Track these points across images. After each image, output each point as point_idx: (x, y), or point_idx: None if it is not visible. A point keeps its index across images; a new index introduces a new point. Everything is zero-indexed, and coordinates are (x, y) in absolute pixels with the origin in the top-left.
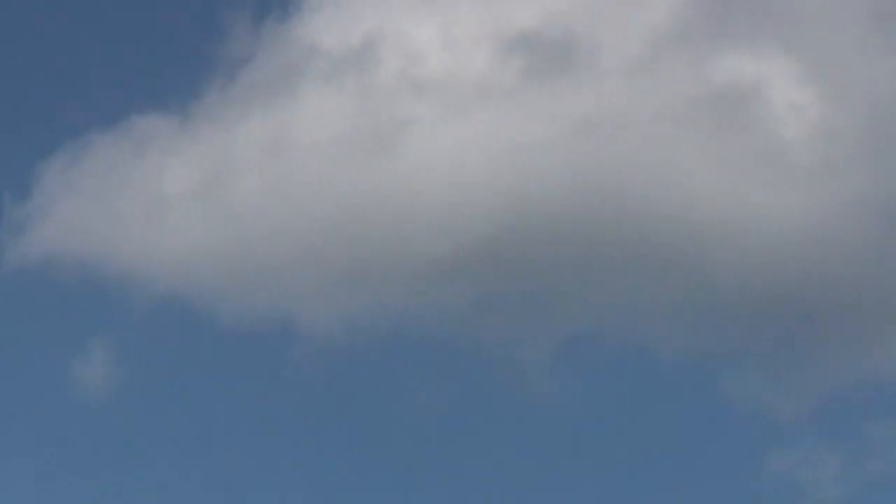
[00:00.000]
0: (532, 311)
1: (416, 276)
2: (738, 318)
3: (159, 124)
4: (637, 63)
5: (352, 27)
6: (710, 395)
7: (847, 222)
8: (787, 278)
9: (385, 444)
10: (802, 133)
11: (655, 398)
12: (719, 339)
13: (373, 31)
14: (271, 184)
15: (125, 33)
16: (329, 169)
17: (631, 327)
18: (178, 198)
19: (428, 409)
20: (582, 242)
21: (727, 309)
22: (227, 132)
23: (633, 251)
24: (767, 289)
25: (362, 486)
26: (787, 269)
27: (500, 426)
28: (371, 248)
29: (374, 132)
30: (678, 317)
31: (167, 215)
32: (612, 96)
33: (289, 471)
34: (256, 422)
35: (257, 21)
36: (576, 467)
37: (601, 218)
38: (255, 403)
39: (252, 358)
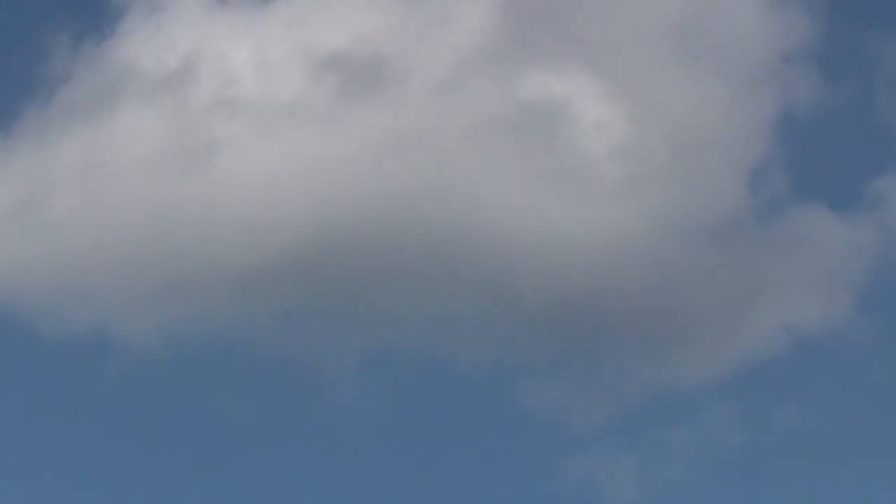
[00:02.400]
0: (340, 322)
1: (229, 289)
2: (538, 329)
3: None
4: (444, 82)
5: (169, 48)
6: (510, 404)
7: (648, 237)
8: (586, 290)
9: (198, 454)
10: (607, 150)
11: (457, 407)
12: (519, 349)
13: (189, 52)
14: (89, 200)
15: None
16: (145, 186)
17: (433, 338)
18: None
19: (239, 418)
20: (387, 256)
21: (527, 320)
22: (45, 150)
23: (436, 264)
24: (567, 301)
25: (177, 497)
26: (586, 281)
27: (308, 436)
28: (185, 262)
29: (190, 151)
30: (479, 328)
31: None
32: (420, 115)
33: (105, 482)
34: (75, 433)
35: (76, 41)
36: (381, 475)
37: (407, 232)
38: (73, 415)
39: (70, 370)
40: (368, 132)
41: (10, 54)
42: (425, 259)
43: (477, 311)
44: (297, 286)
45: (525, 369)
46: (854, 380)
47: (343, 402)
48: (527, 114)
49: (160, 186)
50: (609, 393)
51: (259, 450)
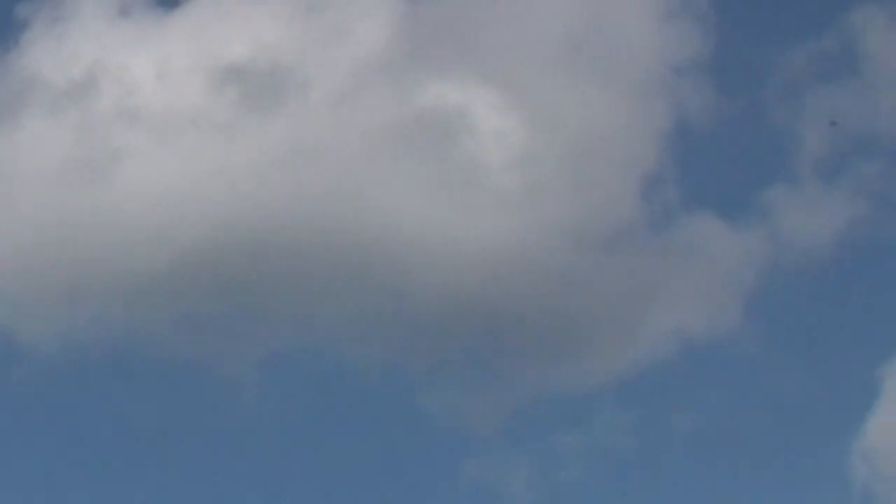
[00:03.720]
0: (239, 326)
1: (130, 294)
2: (436, 333)
3: None
4: (344, 92)
5: (71, 59)
6: (408, 407)
7: (543, 244)
8: (483, 296)
9: (98, 457)
10: (504, 158)
11: (355, 410)
12: (417, 353)
13: (92, 63)
14: None
15: None
16: (49, 194)
17: (332, 342)
18: None
19: (139, 421)
20: (286, 261)
21: (425, 325)
22: None
23: (334, 270)
24: (464, 306)
25: (79, 499)
26: (483, 287)
27: (207, 439)
28: (88, 268)
29: (92, 160)
30: (377, 333)
31: None
32: (319, 124)
33: (6, 485)
34: None
35: None
36: (280, 478)
37: (306, 238)
38: None
39: None
40: (268, 141)
41: None
42: (324, 265)
43: (375, 316)
44: (197, 291)
45: (423, 374)
46: (743, 384)
47: (242, 406)
48: (425, 123)
49: (63, 195)
50: (505, 397)
51: (159, 452)
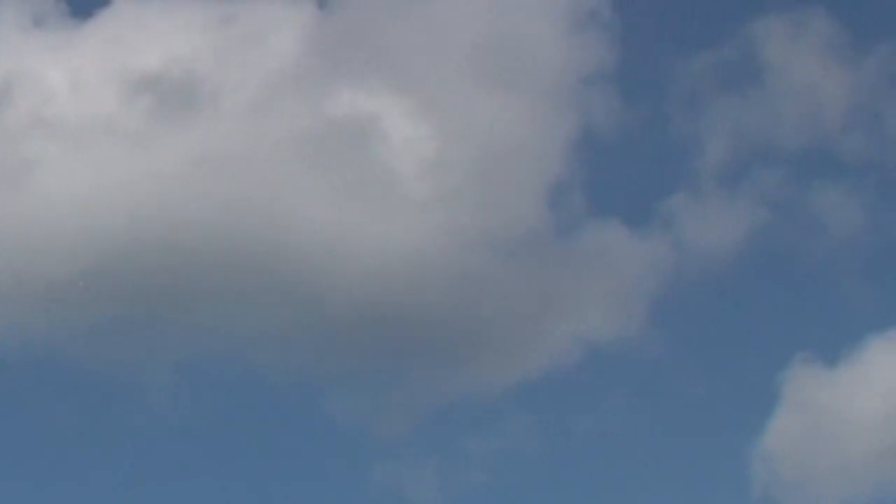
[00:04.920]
0: (152, 334)
1: (44, 301)
2: (344, 339)
3: None
4: (256, 101)
5: None
6: (316, 412)
7: (452, 250)
8: (391, 302)
9: (14, 463)
10: (414, 166)
11: (266, 415)
12: (325, 359)
13: (5, 72)
14: None
15: None
16: None
17: (245, 350)
18: None
19: (53, 427)
20: (200, 269)
21: (335, 332)
22: None
23: (247, 277)
24: (374, 313)
25: None
26: (391, 293)
27: (121, 446)
28: (2, 276)
29: (6, 169)
30: (290, 340)
31: None
32: (232, 133)
33: None
34: None
35: None
36: (191, 484)
37: (219, 247)
38: None
39: None
40: (181, 150)
41: None
42: (236, 272)
43: (286, 323)
44: (111, 298)
45: (331, 378)
46: (645, 388)
47: (154, 413)
48: (337, 131)
49: None
50: (412, 401)
51: (73, 458)
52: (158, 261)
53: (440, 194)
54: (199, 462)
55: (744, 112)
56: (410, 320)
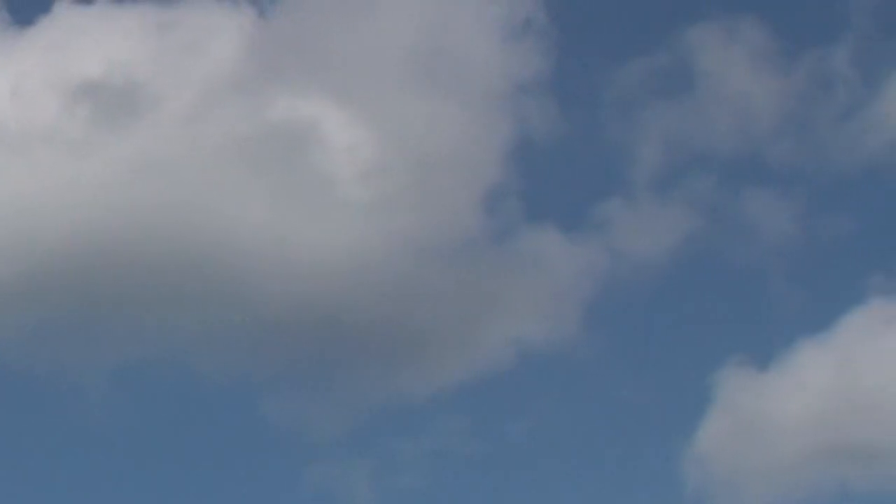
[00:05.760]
0: (90, 337)
1: None
2: (282, 344)
3: None
4: (195, 108)
5: None
6: (251, 415)
7: (388, 255)
8: (327, 306)
9: None
10: (353, 172)
11: (200, 418)
12: (262, 363)
13: None
14: None
15: None
16: None
17: (180, 354)
18: None
19: None
20: (140, 273)
21: (273, 335)
22: None
23: (185, 281)
24: (311, 317)
25: None
26: (330, 298)
27: (59, 448)
28: None
29: None
30: (227, 343)
31: None
32: (172, 139)
33: None
34: None
35: None
36: (129, 488)
37: (158, 251)
38: None
39: None
40: (121, 156)
41: None
42: (175, 275)
43: (225, 326)
44: (50, 301)
45: (267, 381)
46: (580, 391)
47: (91, 416)
48: (276, 137)
49: None
50: (347, 404)
51: (10, 461)
52: (97, 264)
53: (378, 200)
54: (136, 464)
55: (677, 119)
56: (347, 324)
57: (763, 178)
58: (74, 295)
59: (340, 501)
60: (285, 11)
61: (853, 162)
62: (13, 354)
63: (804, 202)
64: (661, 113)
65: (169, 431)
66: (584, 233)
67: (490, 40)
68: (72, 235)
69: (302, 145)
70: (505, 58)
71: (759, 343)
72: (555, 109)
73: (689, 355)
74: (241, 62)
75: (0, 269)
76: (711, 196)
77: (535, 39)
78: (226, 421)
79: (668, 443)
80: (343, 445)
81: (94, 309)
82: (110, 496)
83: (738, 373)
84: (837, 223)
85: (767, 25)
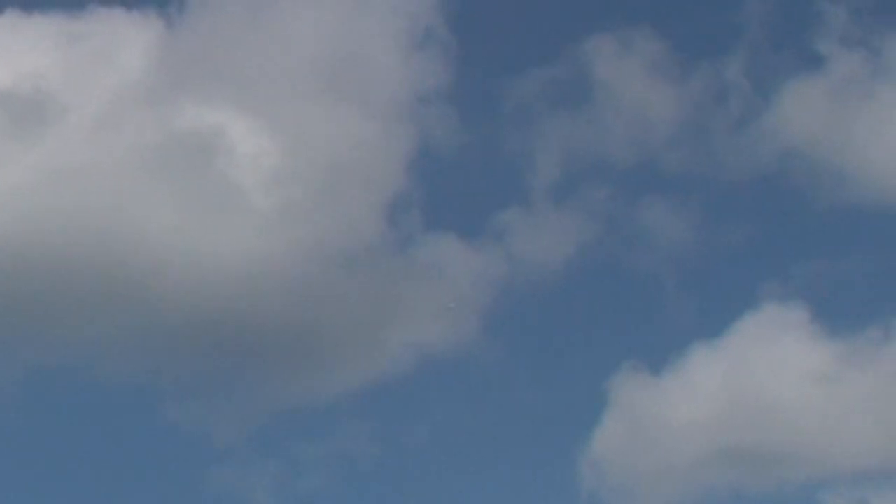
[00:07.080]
0: (1, 344)
1: None
2: (187, 349)
3: None
4: (103, 116)
5: None
6: (156, 420)
7: (292, 262)
8: (233, 312)
9: None
10: (258, 180)
11: (107, 422)
12: (167, 368)
13: None
14: None
15: None
16: None
17: (86, 360)
18: None
19: None
20: (45, 279)
21: (177, 341)
22: None
23: (95, 288)
24: (215, 322)
25: None
26: (235, 304)
27: None
28: None
29: None
30: (133, 349)
31: None
32: (80, 148)
33: None
34: None
35: None
36: (35, 493)
37: (67, 259)
38: None
39: None
40: (30, 164)
41: None
42: (83, 283)
43: (130, 332)
44: None
45: (171, 385)
46: (479, 396)
47: (4, 422)
48: (182, 145)
49: None
50: (249, 407)
51: None
52: (7, 272)
53: (282, 207)
54: (43, 468)
55: (575, 129)
56: (250, 329)
57: (659, 187)
58: None
59: None
60: (192, 21)
61: (747, 170)
62: None
63: (699, 210)
64: (559, 123)
65: (74, 435)
66: (484, 241)
67: (393, 50)
68: None
69: (208, 153)
70: (407, 68)
71: (653, 348)
72: (455, 119)
73: (585, 360)
74: (148, 71)
75: None
76: (608, 204)
77: (436, 50)
78: (130, 425)
79: (565, 446)
80: (246, 449)
81: (5, 317)
82: (15, 500)
83: (632, 377)
84: (731, 231)
85: (663, 37)
